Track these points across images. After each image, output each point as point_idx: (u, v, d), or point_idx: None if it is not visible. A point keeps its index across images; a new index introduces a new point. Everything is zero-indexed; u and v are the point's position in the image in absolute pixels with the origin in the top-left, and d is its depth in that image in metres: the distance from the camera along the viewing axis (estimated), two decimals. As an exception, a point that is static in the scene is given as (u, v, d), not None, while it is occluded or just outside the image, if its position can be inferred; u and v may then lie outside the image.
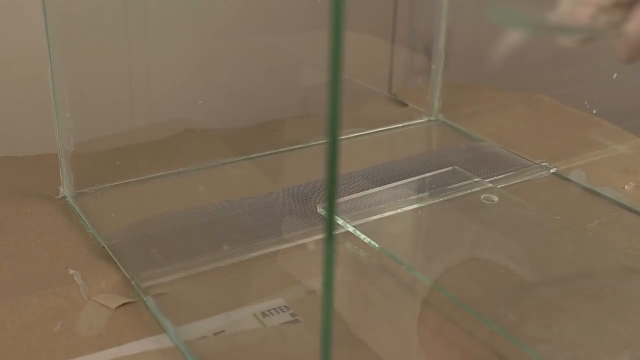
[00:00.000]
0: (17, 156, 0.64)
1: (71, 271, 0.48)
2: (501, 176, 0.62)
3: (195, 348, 0.41)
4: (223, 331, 0.43)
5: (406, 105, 0.78)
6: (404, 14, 0.87)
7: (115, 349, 0.41)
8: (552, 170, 0.64)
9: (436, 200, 0.58)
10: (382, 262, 0.50)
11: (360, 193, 0.58)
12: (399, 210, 0.56)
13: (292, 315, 0.44)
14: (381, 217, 0.55)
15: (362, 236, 0.52)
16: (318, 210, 0.56)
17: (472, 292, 0.46)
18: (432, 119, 0.75)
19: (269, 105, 0.74)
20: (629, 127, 0.72)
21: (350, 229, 0.53)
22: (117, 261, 0.49)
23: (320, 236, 0.53)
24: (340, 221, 0.54)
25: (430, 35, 0.73)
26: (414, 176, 0.61)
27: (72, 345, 0.41)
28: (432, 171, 0.62)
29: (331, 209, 0.22)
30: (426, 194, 0.59)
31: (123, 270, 0.48)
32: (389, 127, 0.73)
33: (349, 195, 0.57)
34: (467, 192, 0.59)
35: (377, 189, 0.58)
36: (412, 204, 0.57)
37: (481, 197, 0.58)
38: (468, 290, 0.47)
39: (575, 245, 0.53)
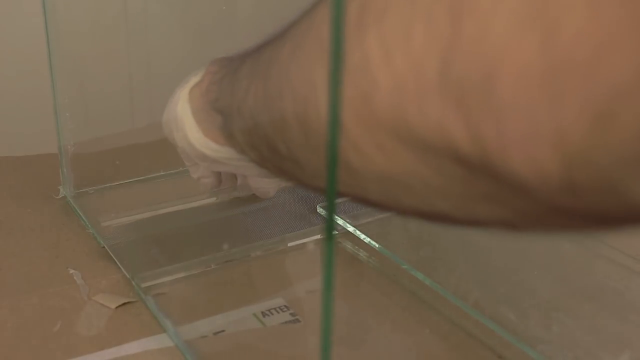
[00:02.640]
0: (17, 156, 0.64)
1: (71, 271, 0.48)
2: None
3: (196, 348, 0.41)
4: (223, 331, 0.43)
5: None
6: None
7: (115, 349, 0.41)
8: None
9: (436, 200, 0.58)
10: (382, 262, 0.50)
11: (360, 193, 0.57)
12: (399, 210, 0.56)
13: (292, 315, 0.44)
14: (381, 217, 0.55)
15: (362, 236, 0.52)
16: (318, 210, 0.56)
17: (472, 292, 0.46)
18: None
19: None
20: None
21: (350, 229, 0.53)
22: (117, 261, 0.49)
23: (320, 236, 0.53)
24: (340, 221, 0.54)
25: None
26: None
27: (72, 345, 0.41)
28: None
29: (331, 209, 0.22)
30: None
31: (123, 270, 0.48)
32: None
33: (349, 195, 0.57)
34: (467, 192, 0.59)
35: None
36: (412, 204, 0.57)
37: (481, 197, 0.58)
38: (468, 290, 0.47)
39: (575, 245, 0.53)
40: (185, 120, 0.41)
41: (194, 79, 0.42)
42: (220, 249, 0.50)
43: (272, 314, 0.44)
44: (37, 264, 0.49)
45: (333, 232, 0.22)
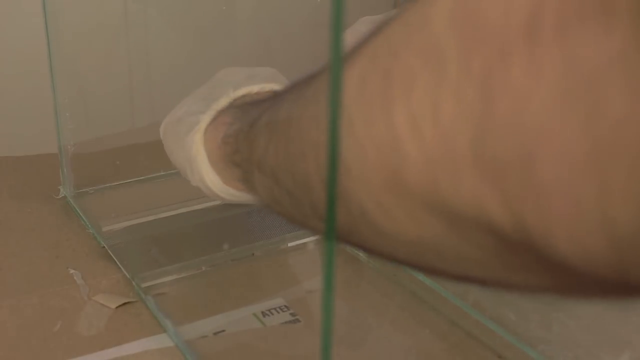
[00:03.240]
0: (17, 156, 0.64)
1: (71, 271, 0.48)
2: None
3: (196, 348, 0.41)
4: (223, 331, 0.43)
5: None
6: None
7: (115, 348, 0.41)
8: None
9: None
10: (382, 262, 0.50)
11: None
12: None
13: (292, 315, 0.44)
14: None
15: (362, 236, 0.52)
16: (318, 210, 0.56)
17: (472, 292, 0.46)
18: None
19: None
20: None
21: (350, 229, 0.53)
22: (117, 261, 0.49)
23: (320, 236, 0.53)
24: (340, 221, 0.54)
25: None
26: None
27: (72, 345, 0.41)
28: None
29: (331, 209, 0.22)
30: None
31: (123, 270, 0.48)
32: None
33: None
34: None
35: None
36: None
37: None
38: (468, 290, 0.47)
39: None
40: (202, 165, 0.41)
41: (204, 118, 0.42)
42: (220, 249, 0.50)
43: (272, 314, 0.44)
44: (37, 264, 0.49)
45: (333, 232, 0.22)
